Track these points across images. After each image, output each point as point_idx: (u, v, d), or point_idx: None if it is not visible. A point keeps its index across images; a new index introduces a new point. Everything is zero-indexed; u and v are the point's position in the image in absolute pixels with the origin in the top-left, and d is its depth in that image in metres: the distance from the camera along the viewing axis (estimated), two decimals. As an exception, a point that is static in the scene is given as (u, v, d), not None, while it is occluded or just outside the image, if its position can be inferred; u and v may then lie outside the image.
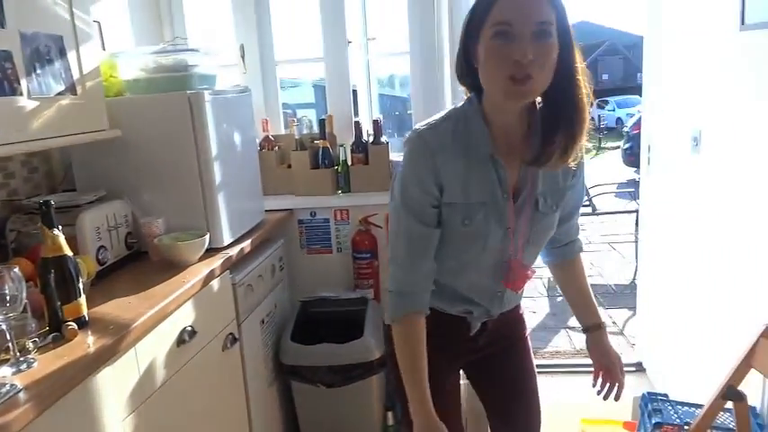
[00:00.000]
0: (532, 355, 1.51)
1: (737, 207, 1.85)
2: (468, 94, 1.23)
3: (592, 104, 1.14)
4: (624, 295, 4.31)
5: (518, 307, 1.48)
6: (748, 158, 1.78)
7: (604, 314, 4.01)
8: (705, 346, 2.11)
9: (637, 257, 3.59)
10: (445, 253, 1.25)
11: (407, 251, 1.23)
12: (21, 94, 1.50)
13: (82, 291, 1.41)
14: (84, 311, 1.42)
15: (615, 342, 3.56)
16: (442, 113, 1.24)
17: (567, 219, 1.37)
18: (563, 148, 1.13)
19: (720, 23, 1.86)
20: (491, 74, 1.09)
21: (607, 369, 1.43)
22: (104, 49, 2.23)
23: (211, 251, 1.99)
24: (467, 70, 1.16)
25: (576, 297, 1.48)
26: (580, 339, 3.69)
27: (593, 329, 1.44)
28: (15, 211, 1.85)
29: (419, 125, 1.23)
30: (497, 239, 1.23)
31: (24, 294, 1.20)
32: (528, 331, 1.52)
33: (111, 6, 2.40)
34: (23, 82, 1.50)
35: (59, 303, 1.37)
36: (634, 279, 4.15)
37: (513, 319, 1.46)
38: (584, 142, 1.15)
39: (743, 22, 1.68)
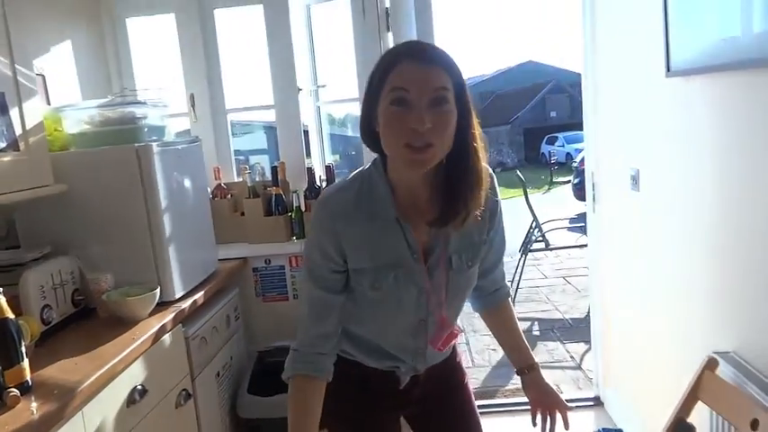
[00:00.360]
0: (473, 400, 1.49)
1: (678, 241, 1.93)
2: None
3: (493, 171, 1.18)
4: (580, 329, 4.37)
5: (454, 355, 1.46)
6: (683, 195, 1.87)
7: (562, 348, 4.06)
8: (658, 378, 2.16)
9: (590, 291, 3.67)
10: (360, 314, 1.26)
11: (308, 314, 1.23)
12: (-41, 153, 1.46)
13: (25, 354, 1.36)
14: (28, 376, 1.36)
15: (573, 377, 3.60)
16: (351, 176, 1.24)
17: (490, 270, 1.38)
18: (459, 212, 1.13)
19: (649, 69, 1.98)
20: (389, 141, 1.09)
21: (546, 406, 1.40)
22: (49, 103, 2.21)
23: (163, 305, 1.95)
24: (369, 133, 1.15)
25: (508, 341, 1.47)
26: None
27: (528, 370, 1.43)
28: (-46, 271, 1.78)
29: (328, 188, 1.25)
30: (412, 300, 1.22)
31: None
32: (467, 378, 1.50)
33: (56, 58, 2.38)
34: (-38, 141, 1.47)
35: (1, 369, 1.32)
36: (589, 313, 4.23)
37: (449, 369, 1.44)
38: (479, 207, 1.15)
39: (668, 69, 1.79)
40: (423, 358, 1.33)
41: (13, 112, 1.67)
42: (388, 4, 2.66)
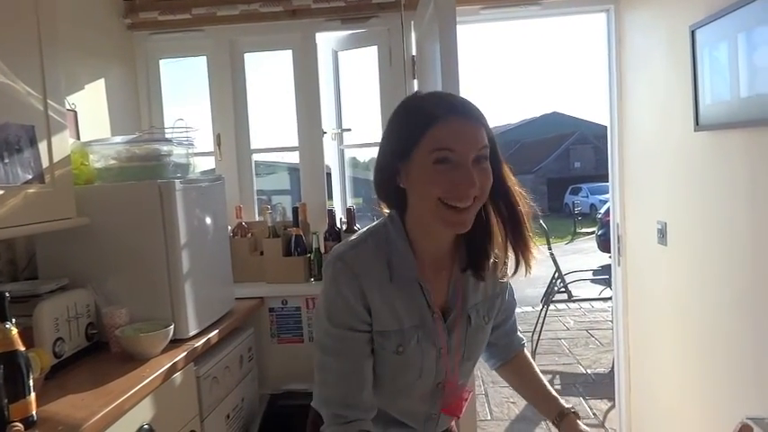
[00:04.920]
0: None
1: (710, 299, 1.86)
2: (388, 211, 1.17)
3: (538, 216, 1.14)
4: (603, 384, 4.22)
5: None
6: (713, 250, 1.82)
7: (584, 404, 3.92)
8: (684, 441, 2.05)
9: (614, 345, 3.56)
10: (378, 380, 1.16)
11: (338, 394, 1.10)
12: (-15, 183, 1.48)
13: (32, 388, 1.34)
14: (33, 410, 1.34)
15: (595, 435, 3.46)
16: (362, 233, 1.17)
17: (503, 323, 1.32)
18: (499, 258, 1.12)
19: (676, 123, 1.95)
20: (428, 199, 1.03)
21: None
22: (79, 138, 2.25)
23: (176, 342, 1.92)
24: (389, 188, 1.10)
25: (533, 393, 1.33)
26: None
27: (560, 418, 1.24)
28: (-29, 300, 1.78)
29: (338, 247, 1.15)
30: (432, 363, 1.15)
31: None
32: None
33: (89, 95, 2.44)
34: (-11, 171, 1.49)
35: (6, 401, 1.30)
36: (613, 368, 4.09)
37: None
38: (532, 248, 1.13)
39: (697, 123, 1.76)
40: (434, 425, 1.25)
41: (42, 146, 1.70)
42: (414, 52, 2.70)
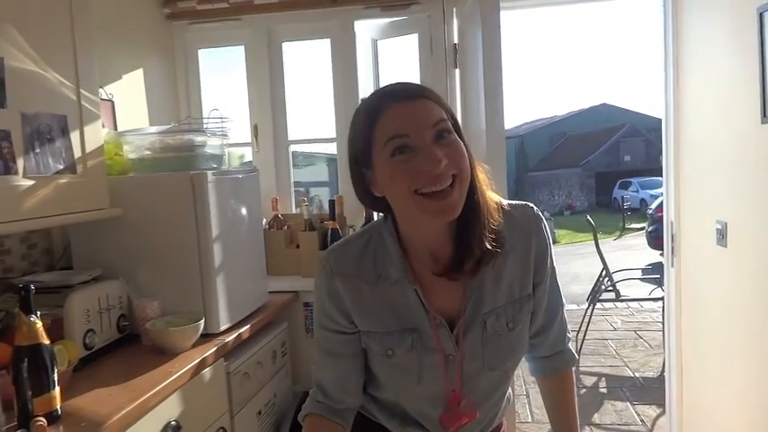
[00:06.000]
0: None
1: (771, 305, 1.71)
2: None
3: (499, 208, 1.04)
4: (653, 389, 4.04)
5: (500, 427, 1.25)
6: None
7: (631, 410, 3.75)
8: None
9: (665, 348, 3.38)
10: (378, 382, 1.12)
11: (326, 383, 1.13)
12: (16, 173, 1.47)
13: (56, 382, 1.31)
14: (57, 405, 1.32)
15: (643, 444, 3.30)
16: (361, 229, 1.13)
17: (542, 332, 1.16)
18: (472, 254, 0.99)
19: (741, 115, 1.80)
20: (402, 196, 0.94)
21: None
22: (116, 128, 2.25)
23: (207, 337, 1.89)
24: (369, 199, 1.03)
25: (557, 419, 1.21)
26: (604, 438, 3.44)
27: None
28: (7, 289, 1.78)
29: (335, 242, 1.14)
30: (434, 369, 1.05)
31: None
32: None
33: (127, 85, 2.44)
34: (20, 161, 1.48)
35: (30, 395, 1.28)
36: (663, 372, 3.90)
37: None
38: (490, 247, 1.00)
39: (765, 115, 1.61)
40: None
41: (74, 136, 1.68)
42: (456, 40, 2.59)
